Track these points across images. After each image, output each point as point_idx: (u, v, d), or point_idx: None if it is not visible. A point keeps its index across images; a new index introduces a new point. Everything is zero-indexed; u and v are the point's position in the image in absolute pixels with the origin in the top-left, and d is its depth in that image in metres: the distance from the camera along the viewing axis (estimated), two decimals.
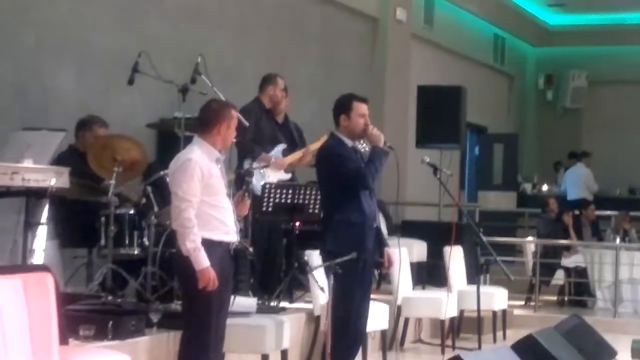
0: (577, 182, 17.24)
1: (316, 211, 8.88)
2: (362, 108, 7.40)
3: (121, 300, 7.46)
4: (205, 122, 6.45)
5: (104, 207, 7.76)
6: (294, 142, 9.60)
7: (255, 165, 8.96)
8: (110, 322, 6.57)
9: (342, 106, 7.44)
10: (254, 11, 12.59)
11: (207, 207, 6.25)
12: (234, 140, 6.64)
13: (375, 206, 7.48)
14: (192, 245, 6.13)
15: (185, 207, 6.16)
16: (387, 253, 7.65)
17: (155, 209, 7.87)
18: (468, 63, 18.87)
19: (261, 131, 9.35)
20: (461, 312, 10.76)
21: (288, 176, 9.45)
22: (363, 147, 7.57)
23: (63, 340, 5.49)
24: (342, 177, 7.28)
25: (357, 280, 7.28)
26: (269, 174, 9.21)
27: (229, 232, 6.39)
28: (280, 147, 9.39)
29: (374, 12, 15.33)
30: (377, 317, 8.74)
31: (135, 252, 7.84)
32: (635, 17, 20.64)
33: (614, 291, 12.63)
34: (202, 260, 6.13)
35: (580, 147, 19.61)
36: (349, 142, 7.40)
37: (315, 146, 9.19)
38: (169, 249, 7.49)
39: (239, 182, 8.40)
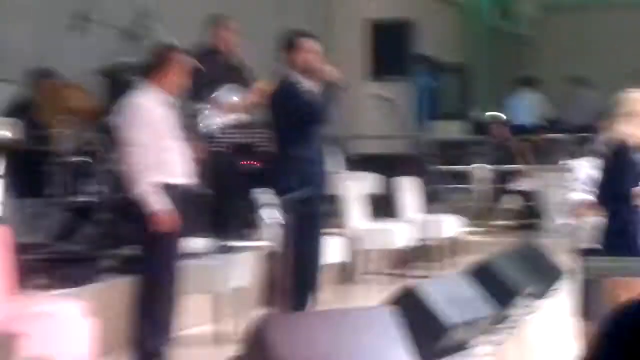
0: (527, 108, 17.39)
1: (270, 150, 8.94)
2: (309, 44, 7.41)
3: (74, 247, 7.48)
4: (154, 66, 6.49)
5: (55, 155, 7.77)
6: (246, 82, 9.64)
7: (202, 107, 8.99)
8: (64, 270, 6.64)
9: (288, 44, 7.45)
10: None
11: (157, 150, 6.29)
12: (185, 84, 6.68)
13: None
14: (143, 189, 6.21)
15: (134, 152, 6.22)
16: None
17: (105, 155, 7.89)
18: None
19: (212, 74, 9.36)
20: (415, 241, 10.90)
21: (240, 116, 9.48)
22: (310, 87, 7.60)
23: (18, 290, 5.55)
24: (297, 112, 7.32)
25: (312, 215, 7.40)
26: (219, 116, 9.25)
27: (179, 174, 6.45)
28: (227, 88, 9.40)
29: None
30: (332, 250, 8.82)
31: (86, 199, 7.84)
32: None
33: (562, 213, 12.83)
34: (154, 203, 6.21)
35: (533, 74, 19.71)
36: (299, 79, 7.41)
37: (263, 84, 9.26)
38: (120, 194, 7.55)
39: (189, 126, 8.46)
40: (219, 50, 9.51)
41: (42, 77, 8.42)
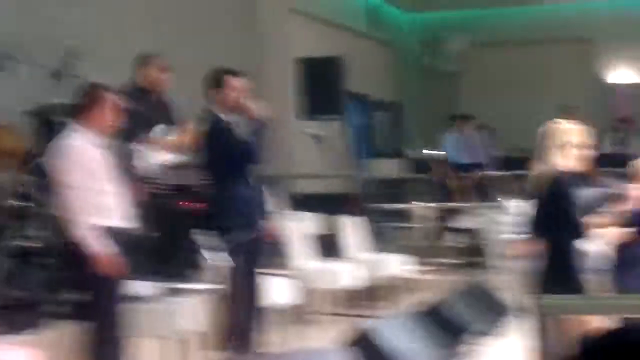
0: (470, 145, 17.39)
1: (206, 190, 8.75)
2: (236, 82, 7.35)
3: (22, 293, 7.21)
4: (80, 106, 6.35)
5: None
6: (172, 121, 9.42)
7: (135, 148, 8.79)
8: (13, 316, 6.55)
9: (214, 81, 7.39)
10: None
11: (91, 193, 6.17)
12: (114, 123, 6.48)
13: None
14: (81, 232, 6.04)
15: (69, 195, 6.00)
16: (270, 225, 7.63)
17: (37, 197, 7.63)
18: (345, 33, 18.83)
19: (141, 113, 9.13)
20: (360, 281, 10.72)
21: (175, 157, 9.25)
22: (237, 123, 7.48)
23: None
24: (230, 153, 7.21)
25: (250, 255, 7.23)
26: (153, 157, 9.02)
27: (114, 217, 6.28)
28: (159, 128, 9.18)
29: None
30: (277, 291, 8.71)
31: (29, 244, 7.59)
32: None
33: (502, 250, 12.77)
34: (94, 245, 6.06)
35: (461, 110, 19.78)
36: (224, 117, 7.31)
37: (193, 124, 9.05)
38: (55, 237, 7.26)
39: (124, 167, 8.21)
40: (148, 89, 9.30)
41: None
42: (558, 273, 6.08)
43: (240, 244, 6.83)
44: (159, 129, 9.16)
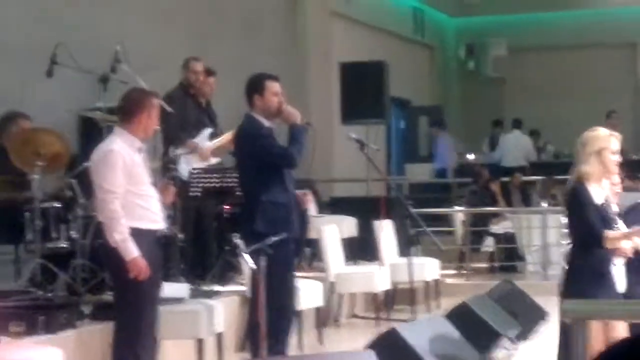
0: (515, 149, 17.44)
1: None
2: (274, 86, 7.37)
3: (51, 294, 7.39)
4: (125, 111, 6.41)
5: (29, 202, 7.67)
6: (216, 124, 9.59)
7: (179, 151, 8.94)
8: (41, 317, 6.51)
9: (254, 86, 7.41)
10: None
11: (132, 196, 6.22)
12: (157, 128, 6.61)
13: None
14: (120, 237, 6.13)
15: (110, 199, 6.14)
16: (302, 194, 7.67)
17: (81, 200, 7.83)
18: (389, 37, 18.91)
19: (186, 117, 9.31)
20: (394, 284, 10.84)
21: (216, 161, 9.42)
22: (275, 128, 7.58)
23: None
24: (268, 157, 7.27)
25: (287, 259, 7.32)
26: (195, 160, 9.19)
27: (155, 219, 6.37)
28: (206, 132, 9.35)
29: None
30: (311, 294, 8.80)
31: (63, 246, 7.77)
32: None
33: (542, 254, 12.83)
34: (132, 250, 6.12)
35: (503, 115, 19.81)
36: (265, 123, 7.38)
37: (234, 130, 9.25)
38: (97, 240, 7.42)
39: (165, 170, 8.39)
40: (193, 93, 9.47)
41: (16, 121, 8.30)
42: (576, 283, 6.10)
43: (271, 248, 6.85)
44: (206, 133, 9.34)
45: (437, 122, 18.69)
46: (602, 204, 6.08)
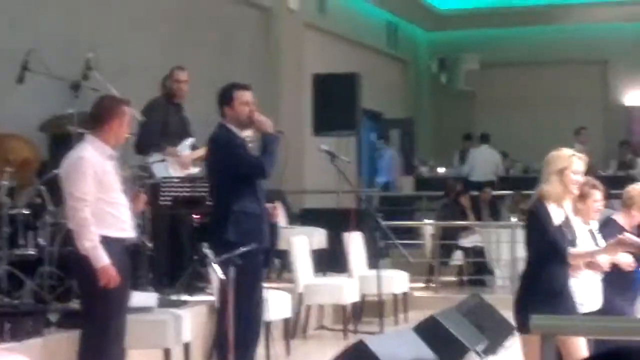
0: (485, 163, 17.50)
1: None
2: (244, 95, 7.37)
3: (18, 301, 7.34)
4: (96, 118, 6.41)
5: None
6: (190, 134, 9.61)
7: (153, 159, 8.95)
8: (8, 324, 6.47)
9: (224, 97, 7.42)
10: (145, 3, 12.47)
11: (102, 204, 6.22)
12: (128, 135, 6.60)
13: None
14: (90, 244, 6.12)
15: (80, 207, 6.13)
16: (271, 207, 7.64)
17: (50, 207, 7.79)
18: (362, 50, 18.95)
19: (167, 124, 9.34)
20: (363, 296, 10.85)
21: (196, 170, 9.41)
22: (250, 139, 7.57)
23: None
24: (239, 167, 7.27)
25: (256, 270, 7.31)
26: (176, 168, 9.19)
27: (125, 228, 6.37)
28: (188, 141, 9.35)
29: (267, 1, 15.32)
30: (280, 305, 8.79)
31: (31, 253, 7.72)
32: (522, 0, 21.03)
33: (511, 269, 12.86)
34: (102, 258, 6.11)
35: (474, 129, 19.89)
36: (238, 132, 7.38)
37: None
38: (65, 248, 7.38)
39: (137, 177, 8.39)
40: (174, 101, 9.47)
41: None
42: (531, 300, 6.11)
43: (240, 258, 6.83)
44: (188, 142, 9.34)
45: (382, 136, 18.81)
46: (560, 225, 6.12)
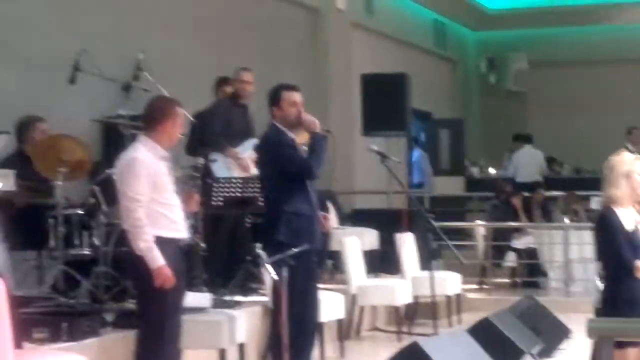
0: (528, 164, 17.33)
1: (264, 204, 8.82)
2: (292, 96, 7.36)
3: (74, 301, 7.38)
4: (149, 119, 6.38)
5: (52, 209, 7.66)
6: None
7: (212, 159, 8.97)
8: (64, 324, 6.49)
9: (272, 98, 7.42)
10: (193, 4, 12.51)
11: (155, 205, 6.20)
12: (181, 136, 6.58)
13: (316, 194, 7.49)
14: (145, 245, 6.11)
15: (135, 207, 6.12)
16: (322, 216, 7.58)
17: (104, 208, 7.81)
18: (410, 50, 18.90)
19: (231, 125, 9.33)
20: (415, 298, 10.77)
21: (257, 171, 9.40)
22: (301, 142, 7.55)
23: (17, 344, 5.42)
24: (288, 167, 7.27)
25: (309, 270, 7.27)
26: (236, 170, 9.19)
27: (178, 229, 6.35)
28: (250, 142, 9.30)
29: (314, 1, 15.30)
30: (333, 306, 8.76)
31: (86, 252, 7.77)
32: None
33: (565, 271, 12.73)
34: (157, 259, 6.11)
35: (525, 129, 19.72)
36: (288, 132, 7.36)
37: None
38: (119, 247, 7.40)
39: (189, 178, 8.38)
40: (236, 102, 9.56)
41: (34, 124, 8.31)
42: (611, 309, 6.02)
43: (293, 259, 6.80)
44: (250, 143, 9.30)
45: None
46: (633, 230, 6.03)
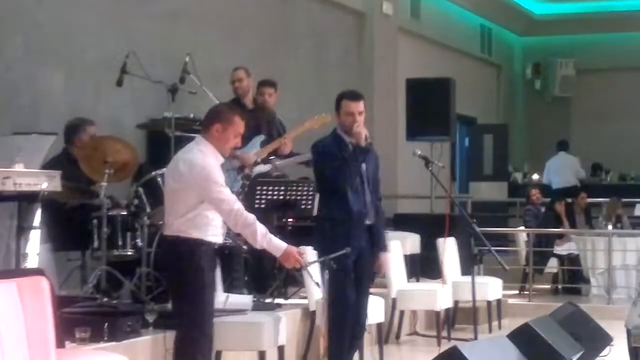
0: (561, 170, 17.24)
1: (308, 207, 8.86)
2: (349, 106, 7.38)
3: (116, 301, 7.46)
4: (209, 124, 6.36)
5: (96, 209, 7.75)
6: (270, 130, 9.59)
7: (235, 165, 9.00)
8: (106, 324, 6.55)
9: (336, 104, 7.51)
10: (240, 9, 12.59)
11: (204, 208, 6.20)
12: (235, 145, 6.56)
13: (369, 202, 7.47)
14: (264, 238, 6.15)
15: (237, 209, 6.11)
16: (381, 258, 7.59)
17: (147, 209, 7.88)
18: (456, 55, 18.89)
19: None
20: (456, 303, 10.78)
21: (267, 168, 9.42)
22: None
23: (60, 343, 5.49)
24: (321, 178, 7.41)
25: (350, 275, 7.29)
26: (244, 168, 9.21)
27: (217, 233, 6.34)
28: (257, 139, 9.34)
29: (361, 6, 15.34)
30: (373, 310, 8.73)
31: (129, 253, 7.84)
32: (619, 5, 20.69)
33: (607, 278, 12.67)
34: (279, 244, 6.20)
35: (569, 136, 19.66)
36: (346, 138, 7.41)
37: (293, 134, 9.27)
38: (159, 249, 7.47)
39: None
40: (239, 103, 9.52)
41: (84, 127, 8.40)
42: None
43: (338, 262, 6.82)
44: (257, 140, 9.35)
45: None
46: None
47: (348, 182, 7.28)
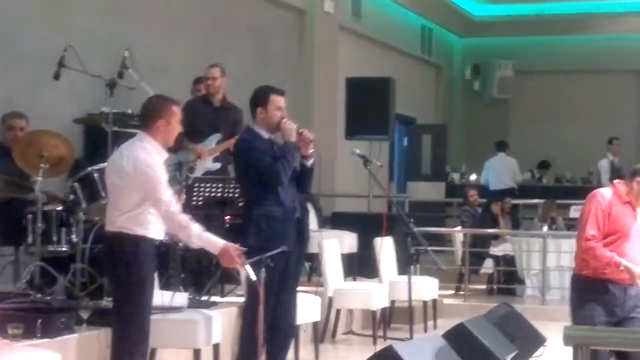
0: (499, 172, 17.36)
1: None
2: (278, 101, 7.35)
3: (50, 297, 7.37)
4: (147, 118, 6.30)
5: (31, 204, 7.67)
6: (235, 130, 9.56)
7: (190, 158, 8.96)
8: (39, 320, 6.47)
9: (259, 99, 7.39)
10: (182, 4, 12.53)
11: (149, 205, 6.14)
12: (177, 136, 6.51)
13: (297, 197, 7.46)
14: (199, 238, 6.15)
15: (173, 210, 6.09)
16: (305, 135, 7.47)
17: (83, 205, 7.78)
18: (396, 54, 18.95)
19: (195, 122, 9.28)
20: (392, 302, 10.80)
21: (216, 166, 9.39)
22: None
23: None
24: (257, 172, 7.28)
25: (285, 272, 7.28)
26: (199, 167, 9.17)
27: (159, 230, 6.32)
28: (214, 138, 9.32)
29: (302, 4, 15.33)
30: (309, 309, 8.76)
31: (64, 249, 7.77)
32: (558, 8, 20.92)
33: (542, 279, 12.79)
34: (215, 242, 6.19)
35: (507, 136, 19.81)
36: (265, 135, 7.35)
37: (214, 151, 9.32)
38: (97, 245, 7.41)
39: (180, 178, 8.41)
40: (205, 99, 9.55)
41: (5, 120, 8.30)
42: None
43: (269, 260, 6.79)
44: (211, 138, 9.31)
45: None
46: None
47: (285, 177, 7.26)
